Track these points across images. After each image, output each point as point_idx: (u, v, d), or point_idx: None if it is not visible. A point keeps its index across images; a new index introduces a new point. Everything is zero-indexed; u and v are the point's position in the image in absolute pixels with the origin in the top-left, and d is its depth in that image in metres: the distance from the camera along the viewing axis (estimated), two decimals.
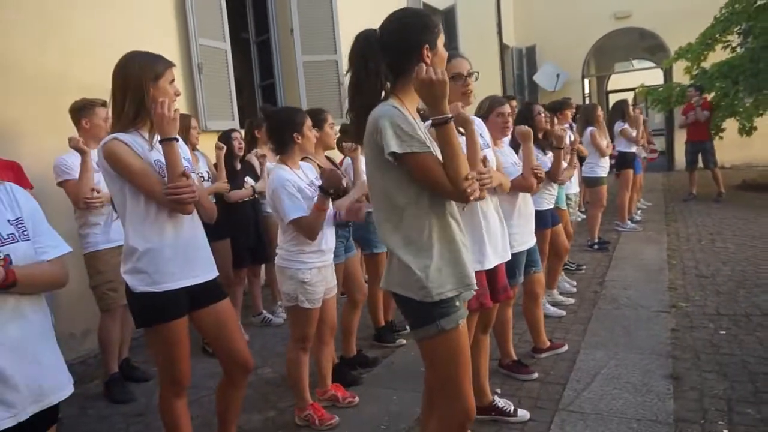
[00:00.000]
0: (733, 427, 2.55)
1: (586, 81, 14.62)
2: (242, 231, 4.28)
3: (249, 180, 4.36)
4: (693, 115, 8.60)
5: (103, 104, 3.27)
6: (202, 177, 3.87)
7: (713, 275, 4.88)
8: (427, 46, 1.73)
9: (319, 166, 3.05)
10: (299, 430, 2.81)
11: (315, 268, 2.70)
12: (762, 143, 9.86)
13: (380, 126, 1.65)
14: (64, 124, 3.35)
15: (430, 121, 1.76)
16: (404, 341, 3.87)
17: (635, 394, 2.90)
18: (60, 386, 1.64)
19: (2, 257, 1.51)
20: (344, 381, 3.17)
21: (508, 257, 2.66)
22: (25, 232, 1.61)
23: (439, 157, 1.70)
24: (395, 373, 3.42)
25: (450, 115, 1.68)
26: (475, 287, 1.84)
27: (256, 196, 4.35)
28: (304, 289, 2.67)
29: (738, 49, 9.23)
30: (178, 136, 2.10)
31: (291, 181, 2.67)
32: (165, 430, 2.28)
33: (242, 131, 4.67)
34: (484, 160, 2.25)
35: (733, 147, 9.22)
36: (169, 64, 2.15)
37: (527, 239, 3.09)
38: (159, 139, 2.07)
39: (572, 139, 4.67)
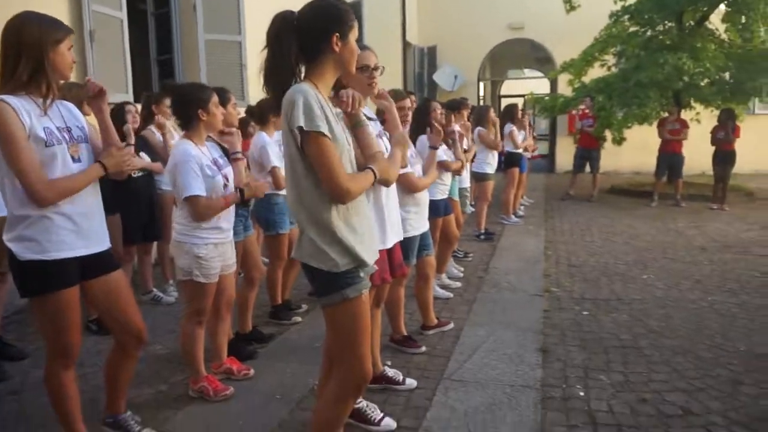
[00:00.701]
0: (587, 390, 2.93)
1: (482, 84, 15.46)
2: (134, 207, 4.14)
3: (144, 156, 4.22)
4: (586, 123, 9.45)
5: None
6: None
7: (581, 265, 5.46)
8: (337, 34, 1.81)
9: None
10: (193, 402, 2.81)
11: (211, 244, 2.72)
12: (629, 153, 11.03)
13: (294, 99, 1.74)
14: None
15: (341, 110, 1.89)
16: (299, 319, 3.97)
17: (510, 364, 3.22)
18: None
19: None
20: (240, 355, 3.20)
21: (401, 237, 2.85)
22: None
23: (347, 145, 1.83)
24: (289, 349, 3.51)
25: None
26: (374, 267, 1.99)
27: (146, 172, 4.23)
28: (200, 264, 2.68)
29: (613, 68, 10.26)
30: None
31: (195, 157, 2.66)
32: (52, 404, 2.21)
33: (137, 105, 4.49)
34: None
35: (606, 155, 10.22)
36: (69, 31, 2.08)
37: (421, 224, 3.31)
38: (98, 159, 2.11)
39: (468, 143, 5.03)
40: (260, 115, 3.85)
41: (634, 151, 10.74)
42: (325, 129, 1.74)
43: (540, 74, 16.40)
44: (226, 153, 2.99)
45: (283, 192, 3.82)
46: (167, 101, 4.51)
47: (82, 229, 2.09)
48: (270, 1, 7.83)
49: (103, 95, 2.18)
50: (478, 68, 14.39)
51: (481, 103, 14.39)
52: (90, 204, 2.14)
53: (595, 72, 10.21)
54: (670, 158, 8.99)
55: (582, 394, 2.89)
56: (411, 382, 2.96)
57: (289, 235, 3.89)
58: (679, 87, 9.09)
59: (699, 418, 2.65)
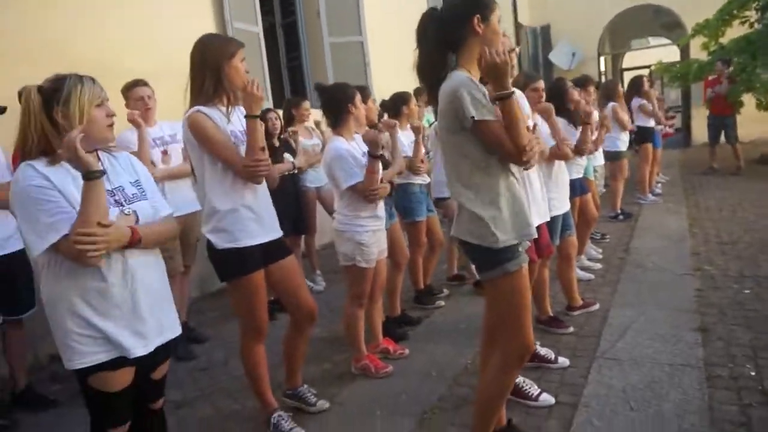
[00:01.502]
0: (759, 370, 2.76)
1: (602, 59, 14.62)
2: (283, 202, 4.50)
3: (288, 156, 4.59)
4: (717, 88, 8.66)
5: (144, 83, 3.55)
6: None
7: (734, 242, 5.05)
8: (478, 16, 1.90)
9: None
10: (356, 378, 3.06)
11: (370, 231, 2.93)
12: None
13: (460, 94, 1.85)
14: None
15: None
16: (443, 303, 4.11)
17: (665, 344, 3.11)
18: (175, 324, 1.88)
19: (131, 212, 1.75)
20: (392, 337, 3.40)
21: (548, 218, 2.89)
22: (143, 192, 1.84)
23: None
24: (437, 331, 3.67)
25: (512, 90, 1.88)
26: (535, 235, 2.06)
27: (295, 171, 4.59)
28: (361, 250, 2.90)
29: (756, 25, 9.26)
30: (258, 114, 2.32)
31: (346, 150, 2.89)
32: (247, 374, 2.54)
33: (278, 111, 4.89)
34: (535, 128, 2.45)
35: (749, 122, 9.26)
36: (240, 45, 2.37)
37: (563, 204, 3.32)
38: (245, 114, 2.29)
39: (599, 115, 4.84)
40: (394, 108, 4.05)
41: None
42: (490, 114, 1.85)
43: (668, 41, 15.18)
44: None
45: (419, 180, 3.99)
46: (305, 104, 4.88)
47: (262, 219, 2.38)
48: (386, 3, 8.06)
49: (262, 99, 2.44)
50: (597, 42, 13.63)
51: (602, 79, 13.62)
52: (265, 197, 2.43)
53: (734, 32, 9.28)
54: None
55: (753, 373, 2.74)
56: (564, 361, 2.98)
57: (428, 223, 4.06)
58: None
59: None
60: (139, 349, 1.71)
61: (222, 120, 2.32)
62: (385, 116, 4.27)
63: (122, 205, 1.72)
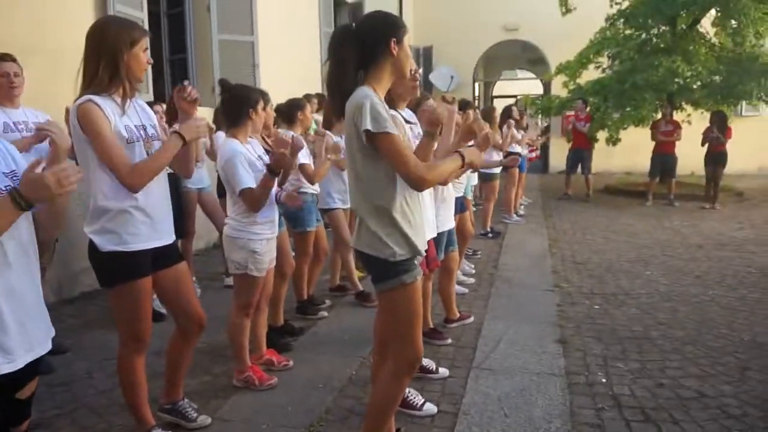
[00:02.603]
0: (608, 377, 3.13)
1: (476, 85, 15.67)
2: None
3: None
4: (579, 126, 9.67)
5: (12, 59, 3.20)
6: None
7: (586, 262, 5.68)
8: (394, 39, 1.99)
9: (269, 147, 3.20)
10: (239, 391, 2.96)
11: (265, 239, 2.86)
12: (621, 153, 11.34)
13: (362, 104, 1.89)
14: None
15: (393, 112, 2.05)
16: (326, 314, 4.12)
17: (533, 354, 3.41)
18: (48, 337, 1.69)
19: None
20: (275, 347, 3.34)
21: (435, 234, 3.04)
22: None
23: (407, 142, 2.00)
24: (321, 341, 3.67)
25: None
26: (424, 253, 2.16)
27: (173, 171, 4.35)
28: (255, 258, 2.82)
29: (607, 71, 10.54)
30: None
31: (243, 154, 2.81)
32: (123, 388, 2.35)
33: (162, 105, 4.61)
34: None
35: (597, 156, 10.48)
36: (145, 33, 2.19)
37: (449, 221, 3.50)
38: (173, 129, 2.18)
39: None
40: (288, 114, 4.00)
41: (624, 151, 11.03)
42: (392, 129, 1.90)
43: (532, 75, 16.67)
44: (268, 152, 3.14)
45: (311, 190, 3.98)
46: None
47: (155, 222, 2.23)
48: (281, 5, 7.99)
49: (196, 102, 2.33)
50: (473, 69, 14.62)
51: (477, 104, 14.59)
52: (161, 198, 2.28)
53: (589, 74, 10.47)
54: (663, 159, 9.28)
55: (604, 380, 3.09)
56: (444, 371, 3.14)
57: (315, 233, 4.05)
58: (673, 89, 9.37)
59: (713, 400, 2.86)
60: (3, 365, 1.52)
61: (115, 112, 2.13)
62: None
63: None
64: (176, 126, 2.31)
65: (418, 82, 2.69)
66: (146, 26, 5.23)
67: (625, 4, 10.17)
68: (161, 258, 2.29)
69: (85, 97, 2.08)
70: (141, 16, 5.20)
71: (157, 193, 2.25)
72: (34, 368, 1.66)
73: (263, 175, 2.78)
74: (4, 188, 1.57)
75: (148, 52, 2.21)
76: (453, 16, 13.84)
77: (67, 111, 3.08)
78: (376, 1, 10.82)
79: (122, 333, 2.29)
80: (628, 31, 10.26)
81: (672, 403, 2.83)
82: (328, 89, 2.09)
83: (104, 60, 2.09)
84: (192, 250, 4.82)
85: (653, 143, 9.44)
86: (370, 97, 1.92)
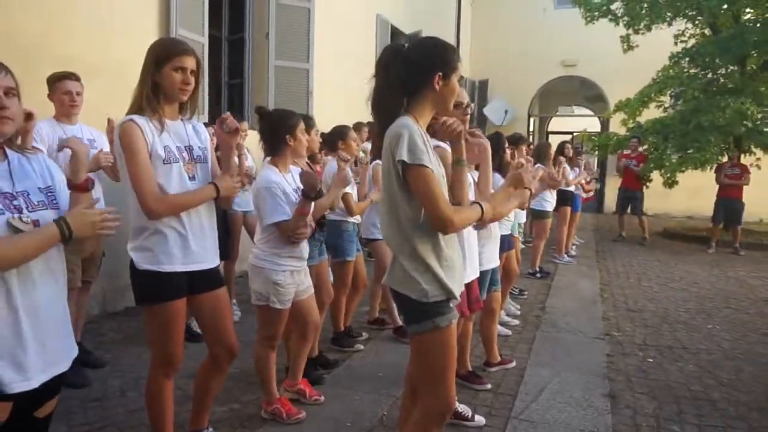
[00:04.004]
0: None
1: (531, 120, 15.45)
2: None
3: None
4: (631, 164, 9.30)
5: (76, 78, 3.30)
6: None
7: (641, 310, 5.35)
8: (440, 74, 1.87)
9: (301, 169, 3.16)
10: (266, 423, 2.87)
11: (288, 271, 2.76)
12: (680, 196, 10.84)
13: (400, 134, 1.80)
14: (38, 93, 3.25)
15: (436, 142, 1.95)
16: (362, 347, 4.01)
17: (578, 408, 3.17)
18: (69, 356, 1.65)
19: (29, 221, 1.53)
20: (308, 378, 3.25)
21: (478, 274, 2.89)
22: (54, 201, 1.63)
23: (441, 179, 1.89)
24: (355, 376, 3.55)
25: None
26: (458, 298, 2.02)
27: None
28: (276, 290, 2.72)
29: (669, 110, 10.15)
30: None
31: (277, 183, 2.73)
32: (149, 410, 2.30)
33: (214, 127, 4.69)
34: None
35: (655, 197, 10.04)
36: (183, 53, 2.12)
37: (493, 259, 3.34)
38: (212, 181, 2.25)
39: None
40: (330, 143, 3.97)
41: (684, 194, 10.53)
42: (428, 162, 1.80)
43: (590, 112, 16.32)
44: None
45: (353, 219, 3.91)
46: (243, 125, 4.71)
47: (192, 245, 2.19)
48: (338, 34, 8.10)
49: (238, 133, 2.31)
50: (529, 103, 14.43)
51: (532, 139, 14.36)
52: (204, 223, 2.25)
53: (650, 113, 10.11)
54: (728, 204, 8.77)
55: None
56: (480, 419, 2.95)
57: (354, 263, 3.97)
58: (741, 132, 8.90)
59: None
60: (18, 383, 1.48)
61: (155, 132, 2.12)
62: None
63: (21, 212, 1.51)
64: (218, 154, 2.30)
65: (467, 116, 2.58)
66: (206, 50, 5.40)
67: (691, 42, 9.83)
68: (201, 281, 2.25)
69: (128, 117, 2.10)
70: (202, 40, 5.36)
71: (199, 216, 2.23)
72: (53, 387, 1.62)
73: (298, 201, 2.69)
74: (37, 203, 1.57)
75: (204, 74, 2.22)
76: (510, 49, 13.77)
77: (109, 121, 3.19)
78: (433, 32, 10.92)
79: (154, 353, 2.27)
80: (693, 70, 9.90)
81: None
82: (372, 109, 2.00)
83: (148, 78, 2.11)
84: (235, 271, 4.84)
85: (717, 186, 8.97)
86: (409, 127, 1.83)
